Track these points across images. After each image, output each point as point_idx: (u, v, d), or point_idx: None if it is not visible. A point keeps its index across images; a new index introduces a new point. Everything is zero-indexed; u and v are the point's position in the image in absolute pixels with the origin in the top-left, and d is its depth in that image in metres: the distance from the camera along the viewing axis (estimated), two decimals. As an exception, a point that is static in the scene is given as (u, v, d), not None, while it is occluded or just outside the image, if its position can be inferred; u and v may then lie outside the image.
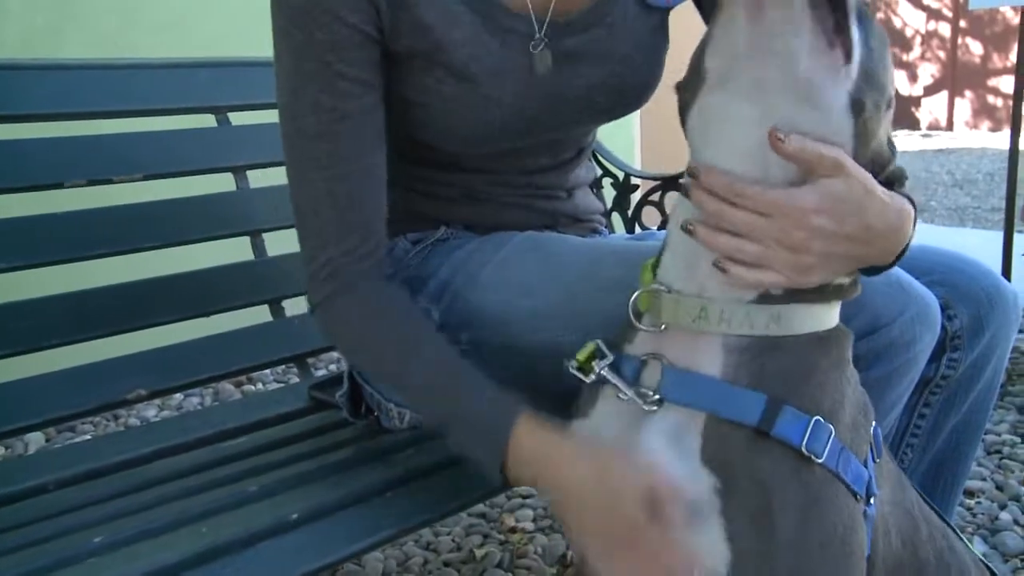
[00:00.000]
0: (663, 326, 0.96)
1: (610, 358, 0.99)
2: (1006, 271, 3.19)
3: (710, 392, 0.93)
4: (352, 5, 1.09)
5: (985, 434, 2.51)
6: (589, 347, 1.00)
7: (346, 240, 1.13)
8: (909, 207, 0.98)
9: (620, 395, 0.96)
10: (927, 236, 5.53)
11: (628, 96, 1.25)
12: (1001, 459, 2.41)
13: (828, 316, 0.98)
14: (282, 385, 2.83)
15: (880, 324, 1.11)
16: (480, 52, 1.14)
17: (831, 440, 0.91)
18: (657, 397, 0.94)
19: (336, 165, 1.12)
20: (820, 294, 0.96)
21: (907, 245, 1.00)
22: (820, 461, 0.90)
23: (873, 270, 1.02)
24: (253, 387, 2.96)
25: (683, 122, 0.98)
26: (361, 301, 1.14)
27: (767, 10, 0.88)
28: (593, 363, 0.99)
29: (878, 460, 1.01)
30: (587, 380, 0.99)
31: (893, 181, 0.99)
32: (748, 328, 0.94)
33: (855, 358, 1.09)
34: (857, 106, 0.90)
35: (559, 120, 1.24)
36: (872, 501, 0.97)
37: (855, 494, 0.93)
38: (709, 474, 0.91)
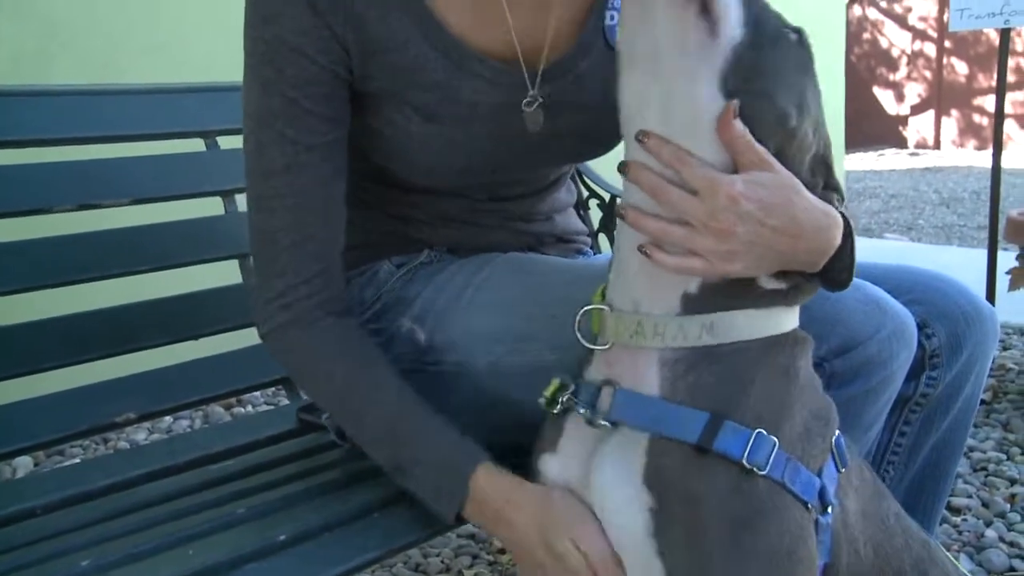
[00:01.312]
0: (609, 344, 0.99)
1: (572, 387, 1.01)
2: (990, 289, 3.21)
3: (652, 411, 0.95)
4: (321, 47, 1.11)
5: (971, 451, 2.54)
6: (555, 382, 1.03)
7: (302, 271, 1.15)
8: (837, 214, 0.99)
9: (581, 421, 0.99)
10: (915, 254, 5.58)
11: (597, 142, 1.26)
12: (987, 476, 2.42)
13: (771, 323, 0.99)
14: (272, 407, 2.83)
15: (857, 342, 1.12)
16: (449, 97, 1.15)
17: (775, 451, 0.93)
18: (610, 421, 0.97)
19: (296, 196, 1.14)
20: (754, 299, 0.98)
21: (851, 258, 1.01)
22: (763, 473, 0.92)
23: (832, 285, 1.03)
24: (243, 409, 2.97)
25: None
26: (316, 337, 1.15)
27: None
28: (558, 395, 1.02)
29: (843, 470, 1.02)
30: (554, 411, 1.03)
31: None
32: (682, 340, 0.96)
33: (832, 375, 1.11)
34: (729, 90, 0.92)
35: (525, 163, 1.26)
36: (829, 510, 0.98)
37: (805, 504, 0.95)
38: (647, 494, 0.93)
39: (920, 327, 1.20)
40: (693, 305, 0.96)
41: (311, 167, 1.14)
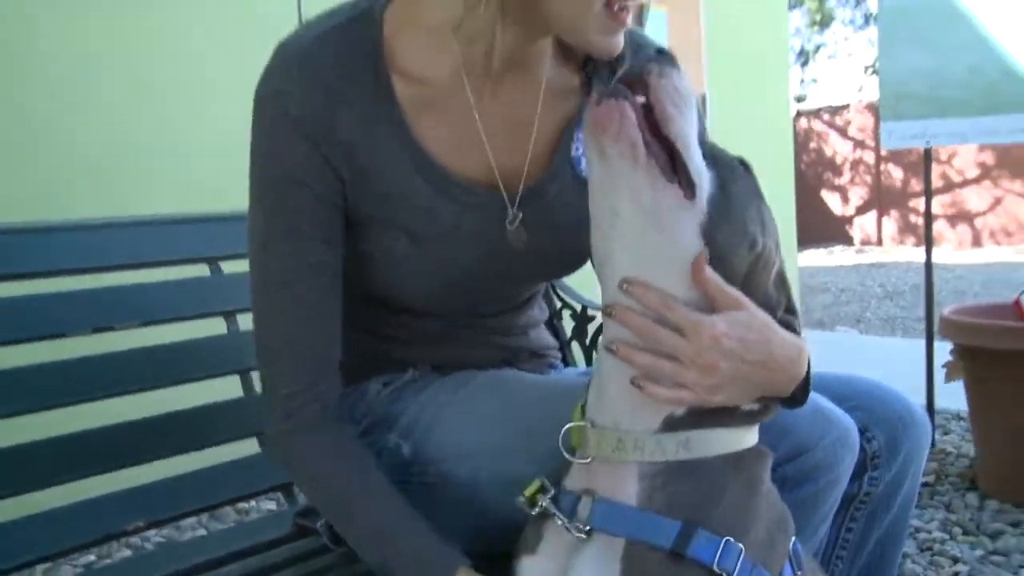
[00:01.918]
0: (590, 458, 0.99)
1: (552, 492, 1.01)
2: (929, 380, 3.24)
3: (629, 520, 0.96)
4: (318, 175, 1.13)
5: (917, 532, 2.53)
6: (535, 483, 1.03)
7: (301, 379, 1.15)
8: (804, 344, 1.03)
9: (560, 527, 0.99)
10: (863, 346, 5.61)
11: (567, 262, 1.29)
12: (932, 556, 2.42)
13: (739, 439, 1.01)
14: (274, 504, 2.81)
15: (805, 448, 1.14)
16: (435, 220, 1.17)
17: (742, 557, 0.94)
18: (588, 528, 0.97)
19: (296, 310, 1.15)
20: (727, 419, 0.99)
21: (808, 380, 1.04)
22: None
23: (790, 403, 1.05)
24: (246, 504, 2.93)
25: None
26: (314, 444, 1.16)
27: (608, 151, 0.94)
28: (538, 497, 1.02)
29: (799, 572, 1.02)
30: (532, 513, 1.02)
31: (784, 327, 1.03)
32: (660, 455, 0.97)
33: (783, 479, 1.12)
34: (708, 236, 0.95)
35: (504, 281, 1.28)
36: None
37: None
38: None
39: (862, 432, 1.22)
40: (674, 425, 0.98)
41: (309, 284, 1.15)
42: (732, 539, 0.94)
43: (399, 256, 1.19)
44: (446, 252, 1.19)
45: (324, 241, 1.15)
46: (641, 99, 0.95)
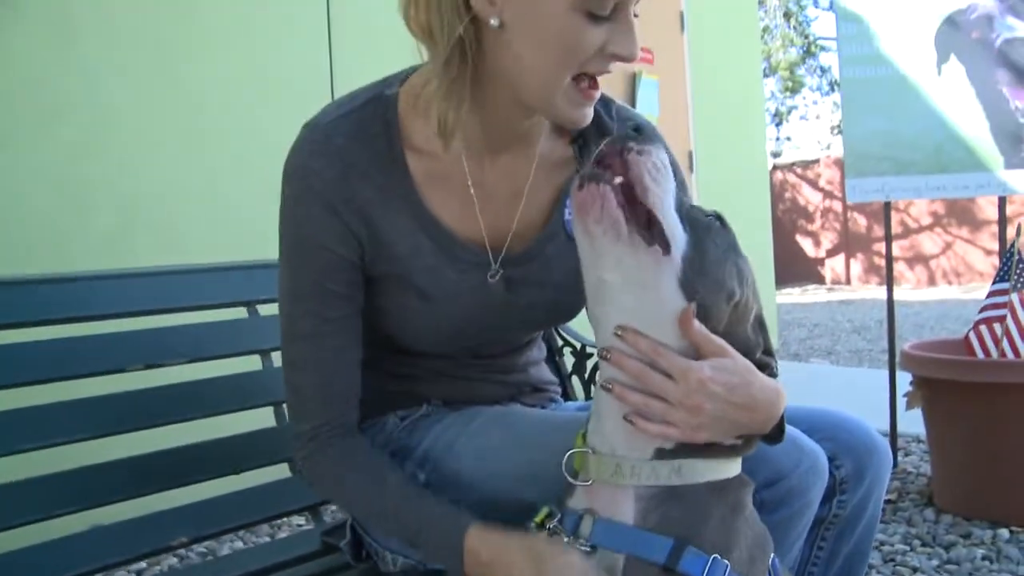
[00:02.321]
0: (591, 481, 0.99)
1: (558, 515, 1.01)
2: (892, 407, 3.21)
3: (627, 537, 0.95)
4: (339, 239, 1.13)
5: (881, 545, 2.50)
6: (544, 510, 1.02)
7: (325, 415, 1.16)
8: (783, 390, 1.02)
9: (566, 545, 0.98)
10: (834, 375, 5.56)
11: (562, 312, 1.28)
12: (895, 566, 2.39)
13: (725, 468, 1.00)
14: (303, 520, 2.78)
15: (780, 476, 1.13)
16: (439, 277, 1.17)
17: (727, 573, 0.93)
18: (590, 545, 0.96)
19: (320, 357, 1.15)
20: (713, 452, 0.98)
21: (783, 419, 1.03)
22: None
23: (767, 439, 1.04)
24: (278, 522, 2.90)
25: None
26: (334, 454, 1.17)
27: (592, 229, 0.94)
28: (546, 521, 1.01)
29: None
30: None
31: (763, 367, 1.03)
32: (655, 480, 0.96)
33: (762, 503, 1.10)
34: (688, 290, 0.94)
35: (504, 330, 1.27)
36: None
37: None
38: None
39: (831, 460, 1.20)
40: (663, 455, 0.97)
41: (332, 335, 1.15)
42: (719, 556, 0.94)
43: (410, 310, 1.19)
44: (450, 307, 1.19)
45: (345, 298, 1.15)
46: (619, 178, 0.95)
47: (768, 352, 1.07)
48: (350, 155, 1.13)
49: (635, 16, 1.05)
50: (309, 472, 1.19)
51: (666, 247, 0.94)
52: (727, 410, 0.96)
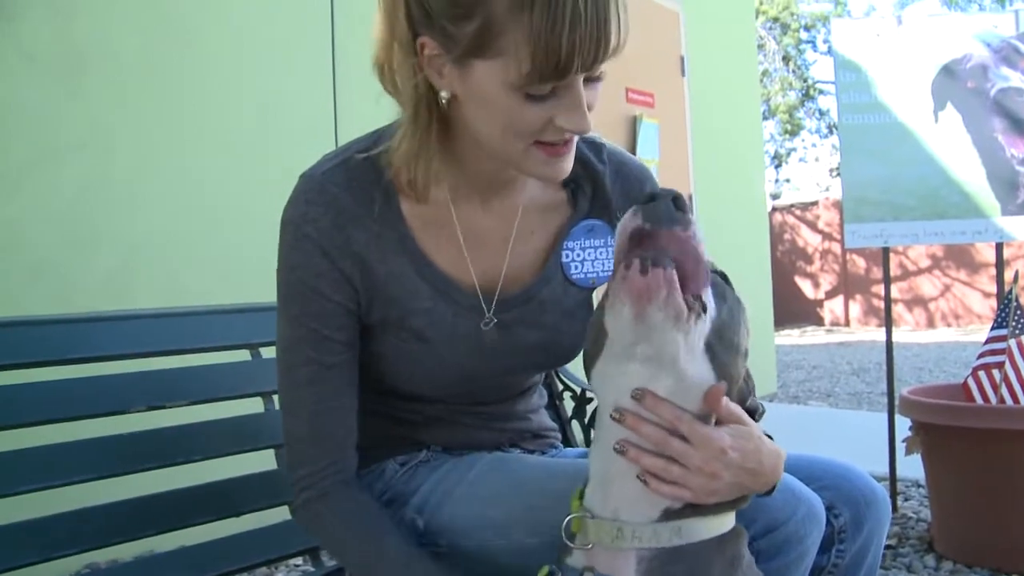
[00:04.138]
0: (590, 545, 0.98)
1: (558, 574, 1.00)
2: (891, 451, 3.21)
3: None
4: (335, 286, 1.15)
5: (883, 593, 2.48)
6: (544, 569, 1.02)
7: (321, 460, 1.17)
8: (781, 450, 1.04)
9: None
10: (833, 418, 5.53)
11: (559, 355, 1.29)
12: (897, 614, 2.36)
13: (722, 523, 1.00)
14: (300, 560, 2.76)
15: (777, 524, 1.13)
16: (435, 320, 1.19)
17: None
18: None
19: (318, 404, 1.16)
20: (715, 508, 0.99)
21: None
22: None
23: (762, 493, 1.06)
24: (276, 565, 2.88)
25: (588, 372, 1.01)
26: (333, 506, 1.16)
27: (652, 314, 0.89)
28: None
29: None
30: None
31: (752, 412, 1.04)
32: (656, 542, 0.96)
33: (759, 552, 1.10)
34: (710, 351, 0.94)
35: (500, 373, 1.28)
36: None
37: None
38: None
39: (828, 509, 1.20)
40: (670, 515, 0.97)
41: (329, 381, 1.17)
42: None
43: (408, 353, 1.20)
44: (447, 348, 1.20)
45: (342, 343, 1.17)
46: (673, 263, 0.89)
47: (751, 392, 1.08)
48: (344, 202, 1.15)
49: (598, 79, 1.04)
50: (305, 519, 1.19)
51: (700, 314, 0.92)
52: (740, 475, 0.97)
